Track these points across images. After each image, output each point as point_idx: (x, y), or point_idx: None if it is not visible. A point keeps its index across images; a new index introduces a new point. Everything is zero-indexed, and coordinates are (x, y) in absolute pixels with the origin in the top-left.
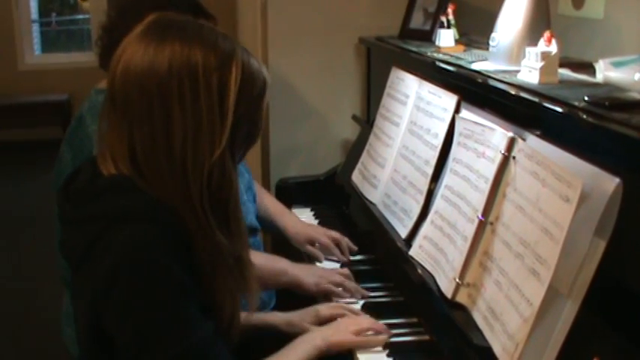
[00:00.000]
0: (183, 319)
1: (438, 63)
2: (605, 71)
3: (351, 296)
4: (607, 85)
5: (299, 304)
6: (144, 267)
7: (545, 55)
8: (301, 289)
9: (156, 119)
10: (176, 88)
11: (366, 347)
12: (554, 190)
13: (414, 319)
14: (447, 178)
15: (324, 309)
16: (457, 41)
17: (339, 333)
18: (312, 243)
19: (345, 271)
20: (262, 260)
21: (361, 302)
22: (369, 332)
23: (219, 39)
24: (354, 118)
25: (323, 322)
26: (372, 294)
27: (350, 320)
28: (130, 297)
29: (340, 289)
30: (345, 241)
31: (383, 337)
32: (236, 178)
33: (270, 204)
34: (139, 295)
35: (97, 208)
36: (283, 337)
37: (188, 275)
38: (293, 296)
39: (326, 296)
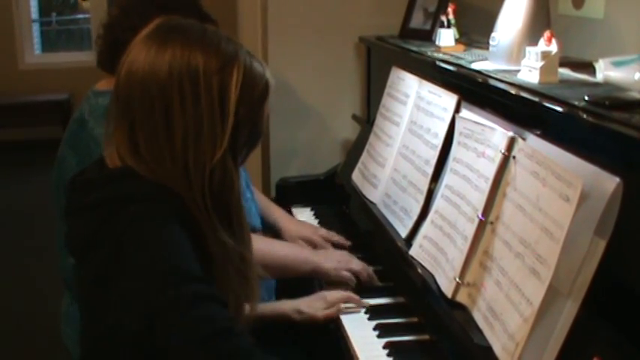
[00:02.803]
0: (187, 265)
1: (438, 62)
2: (605, 71)
3: (366, 282)
4: (607, 84)
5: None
6: (151, 226)
7: (545, 55)
8: (320, 275)
9: (157, 120)
10: (177, 91)
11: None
12: (554, 189)
13: (414, 319)
14: (447, 178)
15: (330, 294)
16: (457, 41)
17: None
18: (304, 239)
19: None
20: (287, 250)
21: None
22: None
23: (221, 42)
24: (354, 117)
25: (330, 306)
26: (372, 294)
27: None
28: (139, 249)
29: (355, 278)
30: (339, 238)
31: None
32: (238, 179)
33: (260, 199)
34: (148, 244)
35: (102, 194)
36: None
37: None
38: (292, 296)
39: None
